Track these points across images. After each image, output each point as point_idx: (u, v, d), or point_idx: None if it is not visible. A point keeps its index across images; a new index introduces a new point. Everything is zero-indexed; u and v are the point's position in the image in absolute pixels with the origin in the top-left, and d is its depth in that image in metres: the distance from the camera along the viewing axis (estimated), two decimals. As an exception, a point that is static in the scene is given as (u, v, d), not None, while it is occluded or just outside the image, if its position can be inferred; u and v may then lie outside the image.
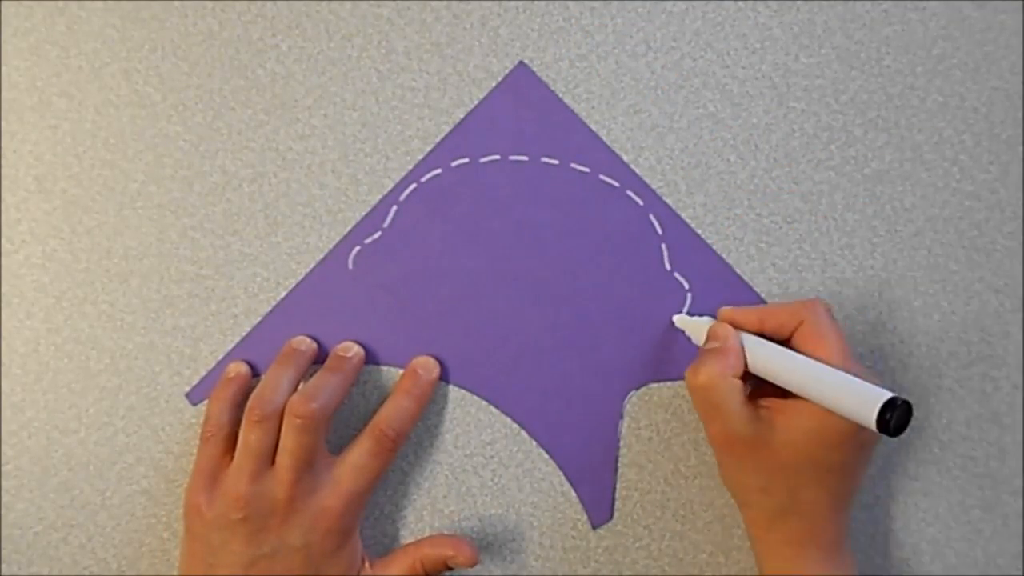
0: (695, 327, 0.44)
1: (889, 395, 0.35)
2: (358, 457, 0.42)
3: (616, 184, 0.46)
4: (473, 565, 0.43)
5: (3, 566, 0.44)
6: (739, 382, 0.40)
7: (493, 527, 0.46)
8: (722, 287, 0.46)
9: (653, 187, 0.46)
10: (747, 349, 0.41)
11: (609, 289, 0.46)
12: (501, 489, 0.46)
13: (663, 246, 0.46)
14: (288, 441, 0.40)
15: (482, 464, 0.46)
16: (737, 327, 0.42)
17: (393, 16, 0.46)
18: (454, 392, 0.46)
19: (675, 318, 0.45)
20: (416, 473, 0.46)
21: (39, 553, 0.44)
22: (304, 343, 0.44)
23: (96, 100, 0.45)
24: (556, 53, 0.46)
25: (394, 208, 0.45)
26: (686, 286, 0.46)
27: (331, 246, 0.45)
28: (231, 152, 0.45)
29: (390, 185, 0.45)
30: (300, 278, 0.45)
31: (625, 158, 0.46)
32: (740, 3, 0.47)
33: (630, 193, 0.46)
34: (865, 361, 0.47)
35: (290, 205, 0.45)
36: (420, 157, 0.46)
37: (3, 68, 0.44)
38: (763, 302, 0.46)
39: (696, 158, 0.47)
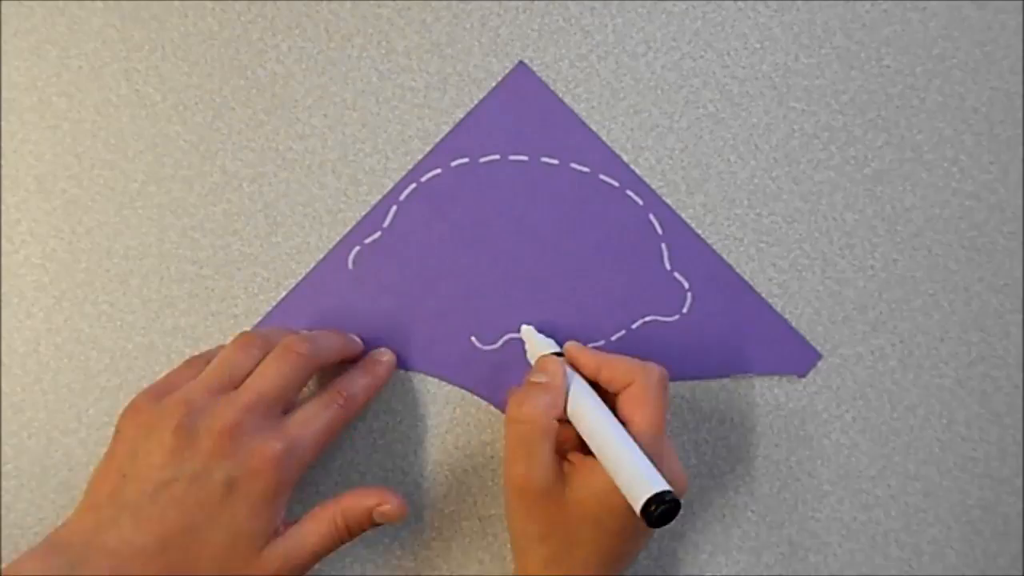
0: (534, 348, 0.43)
1: (661, 488, 0.34)
2: (308, 407, 0.39)
3: (616, 184, 0.46)
4: (402, 517, 0.39)
5: (3, 566, 0.44)
6: (556, 424, 0.39)
7: (493, 527, 0.46)
8: (722, 287, 0.46)
9: (653, 187, 0.46)
10: (570, 393, 0.39)
11: (609, 289, 0.46)
12: (501, 489, 0.46)
13: (663, 246, 0.46)
14: (268, 368, 0.38)
15: (482, 464, 0.46)
16: (575, 367, 0.41)
17: (393, 16, 0.46)
18: (454, 392, 0.45)
19: (523, 329, 0.44)
20: (416, 473, 0.46)
21: (39, 553, 0.44)
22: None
23: (96, 100, 0.45)
24: (556, 53, 0.46)
25: (394, 208, 0.45)
26: (686, 286, 0.46)
27: (331, 246, 0.45)
28: (231, 152, 0.45)
29: (390, 185, 0.45)
30: (300, 278, 0.45)
31: (625, 158, 0.46)
32: (740, 3, 0.47)
33: (630, 193, 0.46)
34: (864, 362, 0.47)
35: (290, 205, 0.45)
36: (420, 157, 0.46)
37: (3, 68, 0.44)
38: (764, 302, 0.46)
39: (696, 158, 0.47)
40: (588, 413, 0.39)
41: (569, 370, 0.41)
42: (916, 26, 0.48)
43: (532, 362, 0.43)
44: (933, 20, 0.48)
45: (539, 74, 0.46)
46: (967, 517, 0.47)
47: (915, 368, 0.47)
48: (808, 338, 0.47)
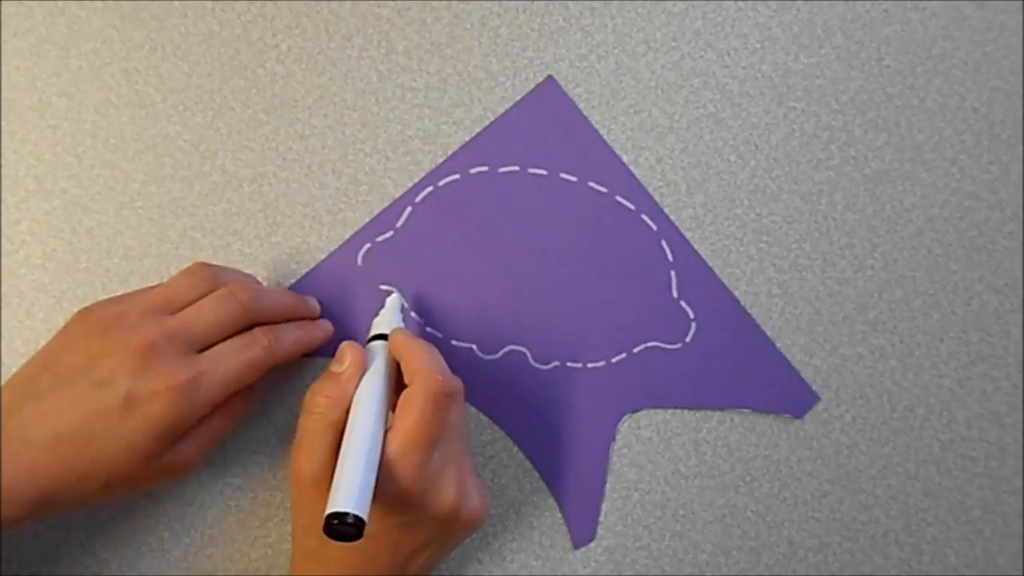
0: (380, 319, 0.42)
1: (343, 509, 0.33)
2: (226, 344, 0.39)
3: (632, 207, 0.46)
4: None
5: (3, 566, 0.44)
6: (342, 416, 0.37)
7: (493, 527, 0.46)
8: (727, 320, 0.46)
9: (652, 188, 0.46)
10: (359, 384, 0.38)
11: (614, 311, 0.46)
12: (501, 489, 0.46)
13: (672, 273, 0.46)
14: (205, 305, 0.38)
15: (482, 464, 0.46)
16: (393, 350, 0.40)
17: (393, 16, 0.46)
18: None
19: (390, 297, 0.43)
20: (416, 473, 0.45)
21: (39, 553, 0.44)
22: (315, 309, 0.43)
23: (96, 100, 0.45)
24: (556, 53, 0.46)
25: (409, 209, 0.45)
26: (691, 315, 0.46)
27: (331, 247, 0.45)
28: (231, 152, 0.45)
29: (390, 186, 0.45)
30: (300, 278, 0.45)
31: (625, 158, 0.46)
32: (740, 3, 0.47)
33: (644, 217, 0.46)
34: (865, 361, 0.47)
35: (290, 205, 0.45)
36: (420, 159, 0.46)
37: (3, 68, 0.44)
38: (768, 340, 0.46)
39: (696, 158, 0.47)
40: (356, 407, 0.37)
41: (378, 358, 0.39)
42: (916, 26, 0.48)
43: (373, 326, 0.42)
44: (933, 20, 0.48)
45: (538, 74, 0.46)
46: (967, 517, 0.47)
47: (915, 368, 0.47)
48: (808, 338, 0.47)
